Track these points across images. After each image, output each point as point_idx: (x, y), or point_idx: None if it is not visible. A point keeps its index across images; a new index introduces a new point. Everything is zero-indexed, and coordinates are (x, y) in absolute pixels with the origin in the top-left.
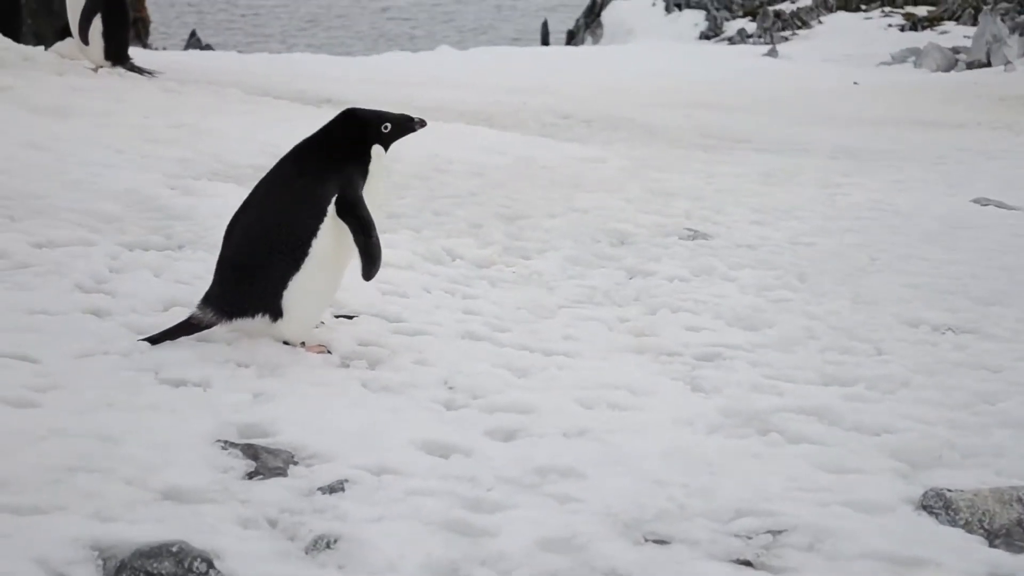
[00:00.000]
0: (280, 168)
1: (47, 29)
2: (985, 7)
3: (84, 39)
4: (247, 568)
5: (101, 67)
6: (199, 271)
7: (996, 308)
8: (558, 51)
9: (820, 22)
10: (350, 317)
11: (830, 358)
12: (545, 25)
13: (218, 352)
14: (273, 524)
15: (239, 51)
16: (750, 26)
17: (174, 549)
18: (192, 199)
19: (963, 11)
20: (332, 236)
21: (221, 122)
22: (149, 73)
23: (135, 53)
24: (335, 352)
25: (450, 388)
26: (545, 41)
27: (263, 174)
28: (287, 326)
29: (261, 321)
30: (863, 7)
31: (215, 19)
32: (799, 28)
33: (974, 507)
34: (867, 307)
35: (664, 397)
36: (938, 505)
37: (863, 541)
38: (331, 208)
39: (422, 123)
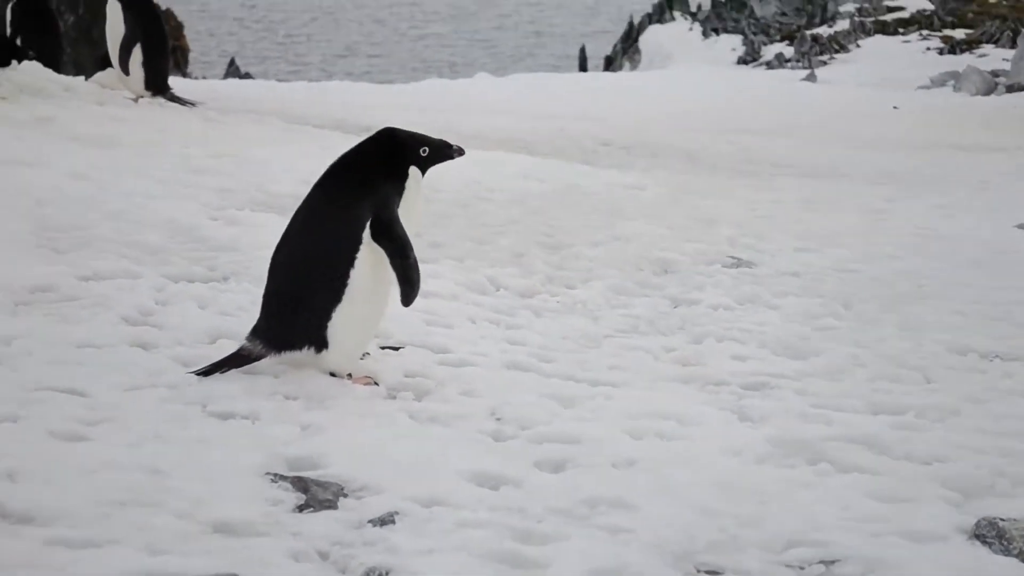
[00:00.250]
0: (315, 193)
1: (87, 59)
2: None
3: (124, 69)
4: None
5: (141, 97)
6: (244, 303)
7: None
8: (596, 77)
9: (858, 46)
10: (396, 348)
11: (878, 386)
12: (583, 51)
13: (266, 385)
14: (324, 557)
15: (278, 79)
16: (788, 50)
17: None
18: (235, 229)
19: (1002, 33)
20: (370, 264)
21: (262, 151)
22: (190, 103)
23: (175, 82)
24: (382, 383)
25: (497, 419)
26: (583, 67)
27: None
28: (332, 357)
29: (307, 353)
30: (901, 31)
31: (254, 48)
32: (837, 52)
33: None
34: (914, 335)
35: (712, 427)
36: (991, 534)
37: (916, 571)
38: (366, 234)
39: (460, 151)
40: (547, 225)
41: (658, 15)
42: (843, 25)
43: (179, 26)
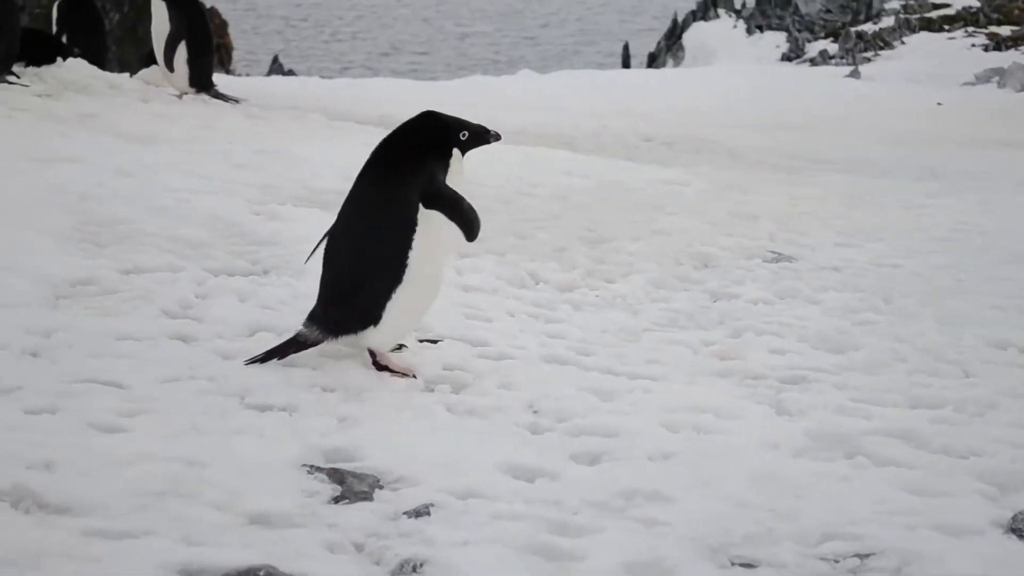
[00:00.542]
0: (363, 180)
1: (131, 56)
2: None
3: (169, 66)
4: None
5: (186, 93)
6: (284, 296)
7: None
8: (639, 74)
9: (903, 43)
10: (434, 342)
11: (917, 380)
12: (626, 48)
13: (304, 377)
14: (359, 548)
15: (321, 77)
16: (832, 47)
17: (261, 574)
18: (277, 224)
19: None
20: (427, 244)
21: (305, 147)
22: (233, 99)
23: (219, 79)
24: (420, 376)
25: (535, 412)
26: (626, 64)
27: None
28: (377, 334)
29: (361, 337)
30: (946, 27)
31: (299, 46)
32: (881, 49)
33: None
34: (953, 329)
35: (750, 420)
36: None
37: (951, 565)
38: (420, 216)
39: (497, 136)
40: (588, 220)
41: (702, 12)
42: (888, 22)
43: (223, 24)
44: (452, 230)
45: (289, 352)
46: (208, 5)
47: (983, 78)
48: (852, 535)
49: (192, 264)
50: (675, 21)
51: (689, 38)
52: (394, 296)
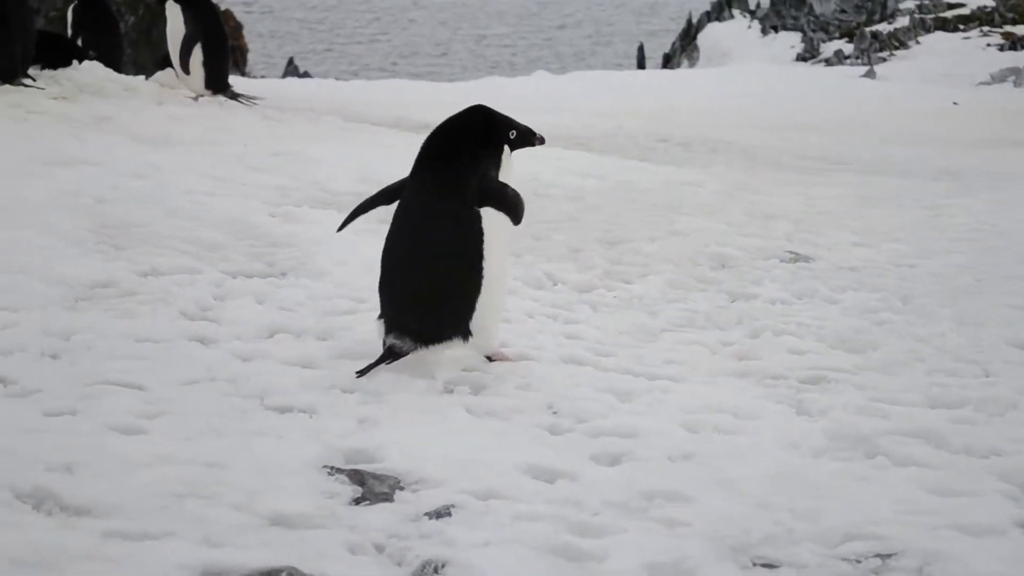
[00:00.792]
0: (421, 182)
1: (147, 59)
2: None
3: (184, 68)
4: None
5: (201, 96)
6: (301, 298)
7: None
8: (654, 74)
9: (918, 42)
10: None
11: (936, 380)
12: (641, 49)
13: (322, 378)
14: (380, 549)
15: (337, 79)
16: (847, 47)
17: (283, 575)
18: (293, 226)
19: None
20: (497, 248)
21: (320, 149)
22: (251, 99)
23: (234, 81)
24: (438, 378)
25: (554, 412)
26: (641, 65)
27: (363, 201)
28: (481, 342)
29: (455, 343)
30: (961, 27)
31: (314, 48)
32: (896, 49)
33: None
34: (972, 329)
35: (769, 420)
36: None
37: (973, 565)
38: (484, 222)
39: (541, 140)
40: (605, 221)
41: (717, 13)
42: (903, 22)
43: (238, 26)
44: (504, 220)
45: (387, 363)
46: (223, 8)
47: (999, 78)
48: (873, 535)
49: (209, 266)
50: (690, 22)
51: (704, 39)
52: (479, 304)
